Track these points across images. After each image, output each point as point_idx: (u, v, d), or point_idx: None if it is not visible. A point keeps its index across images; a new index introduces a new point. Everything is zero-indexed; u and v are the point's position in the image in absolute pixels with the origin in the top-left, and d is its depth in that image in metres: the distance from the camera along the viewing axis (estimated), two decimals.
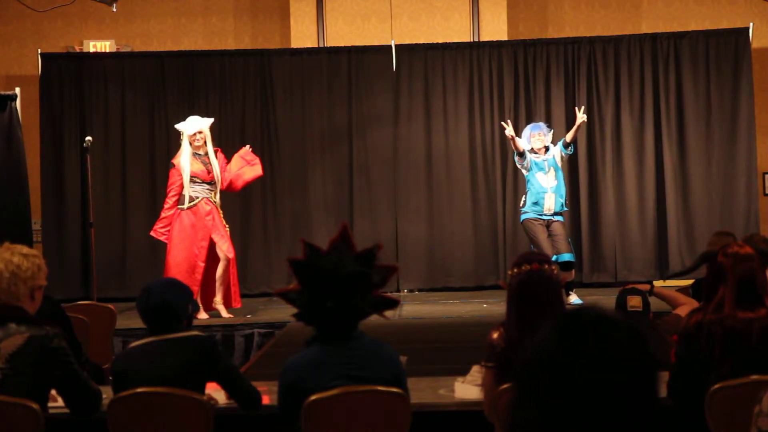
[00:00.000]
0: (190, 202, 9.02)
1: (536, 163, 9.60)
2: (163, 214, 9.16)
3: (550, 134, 9.80)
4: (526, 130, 9.79)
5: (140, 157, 11.61)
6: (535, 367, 1.58)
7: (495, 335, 4.11)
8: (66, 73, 11.63)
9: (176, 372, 4.06)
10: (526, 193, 9.74)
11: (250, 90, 11.68)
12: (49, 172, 11.53)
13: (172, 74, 11.66)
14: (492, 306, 9.80)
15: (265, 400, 4.29)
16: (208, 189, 9.06)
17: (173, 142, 11.59)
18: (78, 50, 12.15)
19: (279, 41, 12.17)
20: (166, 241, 9.13)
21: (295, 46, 11.82)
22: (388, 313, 3.67)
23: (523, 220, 9.72)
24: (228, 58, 11.74)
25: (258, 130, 11.65)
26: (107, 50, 12.14)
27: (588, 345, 1.56)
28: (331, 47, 11.77)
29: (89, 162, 10.64)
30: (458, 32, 11.86)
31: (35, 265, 3.99)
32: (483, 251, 11.55)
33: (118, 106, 11.64)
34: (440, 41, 11.72)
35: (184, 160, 8.98)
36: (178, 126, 9.29)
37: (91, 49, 12.13)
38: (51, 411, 4.09)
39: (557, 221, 9.62)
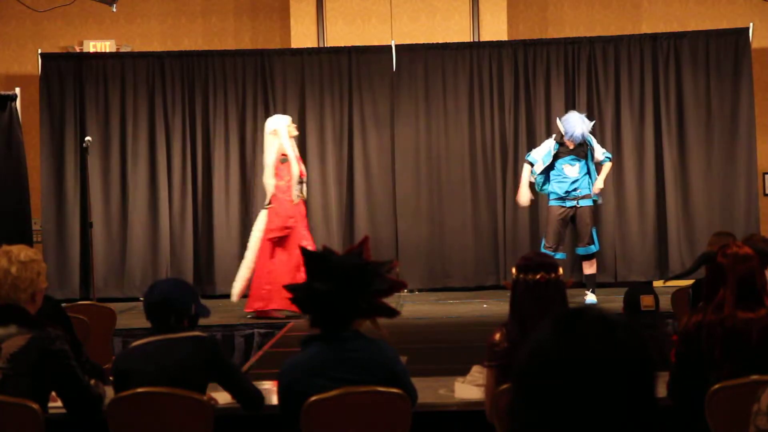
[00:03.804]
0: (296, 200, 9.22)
1: (562, 154, 9.56)
2: (288, 207, 9.14)
3: (590, 125, 9.74)
4: (576, 118, 9.60)
5: (140, 157, 11.61)
6: (533, 366, 1.58)
7: (497, 336, 4.12)
8: (66, 73, 11.63)
9: (177, 372, 4.05)
10: (549, 179, 9.70)
11: (250, 90, 11.68)
12: (49, 172, 11.53)
13: (172, 74, 11.66)
14: (492, 306, 9.81)
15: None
16: (302, 188, 9.28)
17: (173, 141, 11.61)
18: (78, 50, 12.15)
19: (279, 41, 12.17)
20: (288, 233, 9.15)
21: (295, 46, 11.81)
22: (382, 321, 3.69)
23: (549, 205, 9.72)
24: (228, 58, 11.74)
25: (258, 130, 11.64)
26: (107, 50, 12.14)
27: (587, 345, 1.56)
28: (331, 47, 11.77)
29: (89, 162, 10.65)
30: (458, 32, 11.86)
31: (34, 273, 3.95)
32: (483, 251, 11.55)
33: (118, 106, 11.63)
34: (440, 41, 11.72)
35: (291, 157, 9.16)
36: (273, 120, 9.36)
37: (91, 49, 12.13)
38: (51, 411, 4.08)
39: (584, 207, 9.58)
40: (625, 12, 12.25)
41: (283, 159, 9.16)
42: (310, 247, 9.01)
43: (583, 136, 9.50)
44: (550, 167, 9.61)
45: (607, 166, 9.74)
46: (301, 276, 9.08)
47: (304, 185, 9.35)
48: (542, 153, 9.64)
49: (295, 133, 9.38)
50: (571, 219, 9.64)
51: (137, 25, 12.33)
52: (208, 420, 4.07)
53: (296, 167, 9.16)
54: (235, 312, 9.44)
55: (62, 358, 3.91)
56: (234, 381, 4.19)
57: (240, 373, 4.33)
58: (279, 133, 9.17)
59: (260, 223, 9.25)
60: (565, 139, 9.52)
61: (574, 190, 9.54)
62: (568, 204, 9.56)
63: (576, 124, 9.50)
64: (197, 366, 4.09)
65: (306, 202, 9.47)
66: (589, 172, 9.62)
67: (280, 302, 8.74)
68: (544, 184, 9.70)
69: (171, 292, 4.15)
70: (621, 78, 11.52)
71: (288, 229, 9.06)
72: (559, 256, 9.21)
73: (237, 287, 9.32)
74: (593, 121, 10.05)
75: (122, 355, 4.45)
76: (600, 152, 9.72)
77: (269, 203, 9.18)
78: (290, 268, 8.92)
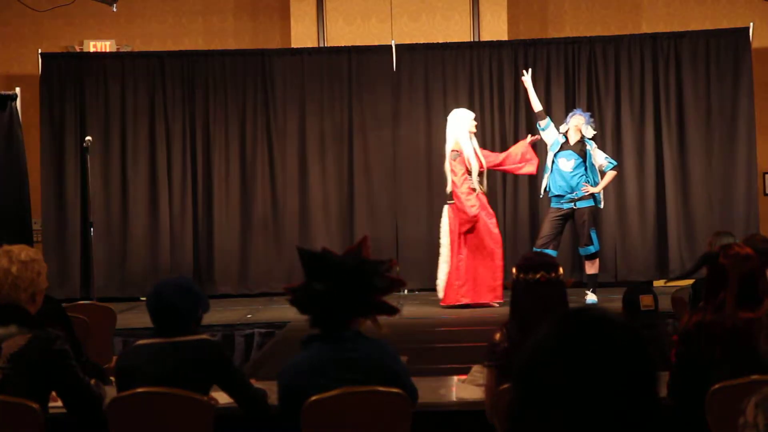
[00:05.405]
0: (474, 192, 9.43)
1: (562, 148, 9.63)
2: (465, 199, 9.38)
3: (589, 125, 9.76)
4: (579, 116, 9.79)
5: (140, 157, 11.61)
6: (534, 366, 1.58)
7: (497, 336, 4.12)
8: (66, 73, 11.63)
9: (180, 375, 4.03)
10: (548, 177, 9.74)
11: (250, 90, 11.67)
12: (49, 172, 11.52)
13: (172, 74, 11.66)
14: (492, 306, 9.79)
15: None
16: (479, 181, 9.47)
17: (173, 141, 11.61)
18: (78, 50, 12.15)
19: (279, 41, 12.17)
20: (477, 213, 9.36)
21: (295, 46, 11.81)
22: (382, 319, 3.69)
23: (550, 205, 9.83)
24: (228, 58, 11.73)
25: (258, 130, 11.65)
26: (107, 50, 12.14)
27: (587, 345, 1.56)
28: (331, 47, 11.77)
29: (89, 162, 10.64)
30: (458, 32, 11.86)
31: (35, 272, 3.94)
32: None
33: (118, 106, 11.63)
34: (440, 41, 11.72)
35: (469, 151, 9.39)
36: (456, 113, 9.61)
37: (91, 49, 12.13)
38: (51, 411, 4.08)
39: (582, 208, 9.61)
40: (625, 12, 12.25)
41: (455, 155, 9.40)
42: (497, 237, 9.41)
43: (578, 127, 9.60)
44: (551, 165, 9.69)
45: (609, 175, 9.74)
46: (497, 263, 9.31)
47: (484, 177, 9.56)
48: (553, 134, 9.71)
49: (474, 130, 9.60)
50: (569, 219, 9.65)
51: (137, 25, 12.33)
52: (208, 420, 4.07)
53: (476, 161, 9.40)
54: (235, 312, 9.43)
55: (62, 358, 3.91)
56: (237, 386, 4.16)
57: (244, 378, 4.29)
58: (458, 126, 9.44)
59: (446, 218, 9.62)
60: (568, 119, 9.71)
61: (571, 191, 9.55)
62: (565, 206, 9.59)
63: (579, 115, 9.75)
64: (201, 370, 4.07)
65: (486, 194, 9.64)
66: (586, 175, 9.60)
67: (471, 296, 9.41)
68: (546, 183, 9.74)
69: (178, 300, 4.08)
70: (621, 78, 11.52)
71: (475, 217, 9.33)
72: (548, 252, 9.25)
73: (441, 284, 9.62)
74: (595, 132, 10.04)
75: (126, 353, 4.42)
76: (602, 157, 9.72)
77: (451, 198, 9.54)
78: (484, 257, 9.38)
